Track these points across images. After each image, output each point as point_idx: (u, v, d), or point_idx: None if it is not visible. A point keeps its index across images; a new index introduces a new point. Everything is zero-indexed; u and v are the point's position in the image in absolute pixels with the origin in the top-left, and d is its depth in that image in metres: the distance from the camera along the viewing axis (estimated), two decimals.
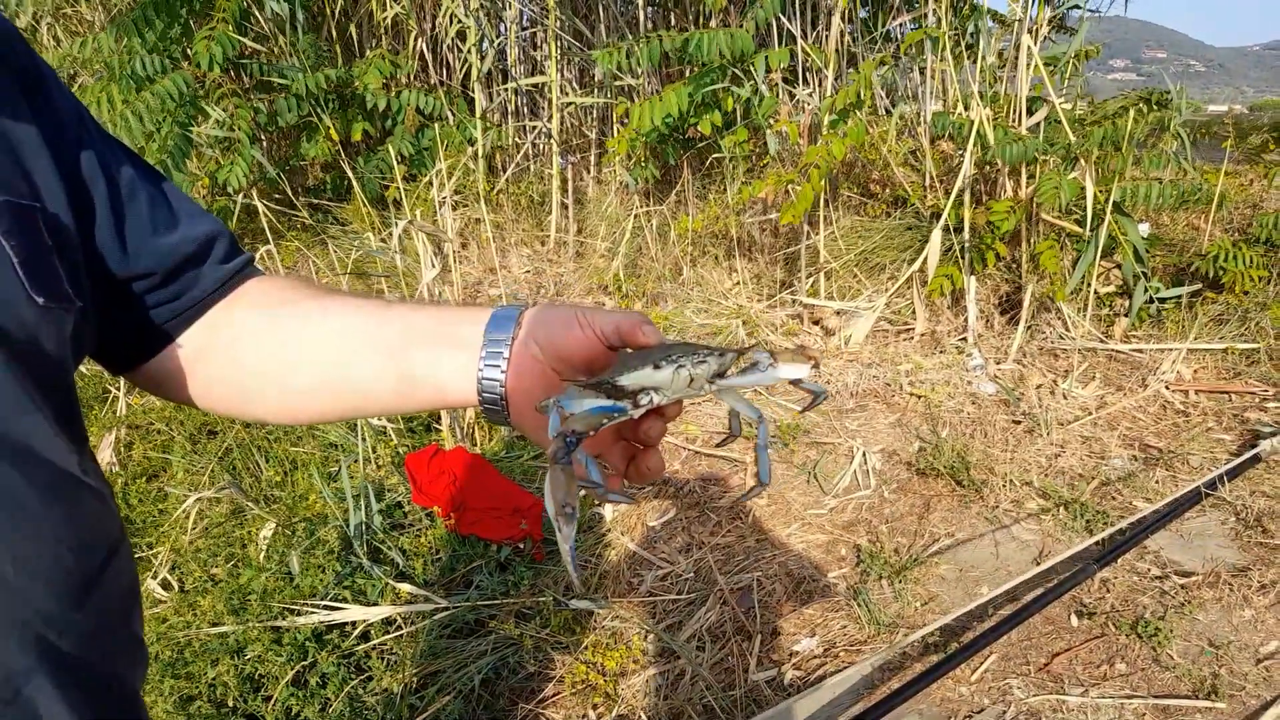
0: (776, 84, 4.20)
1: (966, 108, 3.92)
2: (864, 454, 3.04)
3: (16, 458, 0.52)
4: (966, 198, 3.70)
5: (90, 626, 0.55)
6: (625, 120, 4.09)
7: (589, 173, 5.13)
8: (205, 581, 2.49)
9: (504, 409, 0.69)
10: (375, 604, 2.37)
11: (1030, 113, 3.83)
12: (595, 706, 2.30)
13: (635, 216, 4.47)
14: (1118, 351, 3.60)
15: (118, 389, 3.43)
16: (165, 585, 2.55)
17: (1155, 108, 4.21)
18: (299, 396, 0.75)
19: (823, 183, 3.55)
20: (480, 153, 4.65)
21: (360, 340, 0.73)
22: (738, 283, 4.19)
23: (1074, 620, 2.30)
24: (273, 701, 2.17)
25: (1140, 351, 3.58)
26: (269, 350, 0.75)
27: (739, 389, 0.69)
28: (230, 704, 2.19)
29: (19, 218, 0.57)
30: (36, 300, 0.56)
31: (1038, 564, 2.44)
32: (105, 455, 3.05)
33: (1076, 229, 3.68)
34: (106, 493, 0.61)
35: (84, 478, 0.58)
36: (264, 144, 4.92)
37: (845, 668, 2.20)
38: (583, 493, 0.61)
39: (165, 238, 0.72)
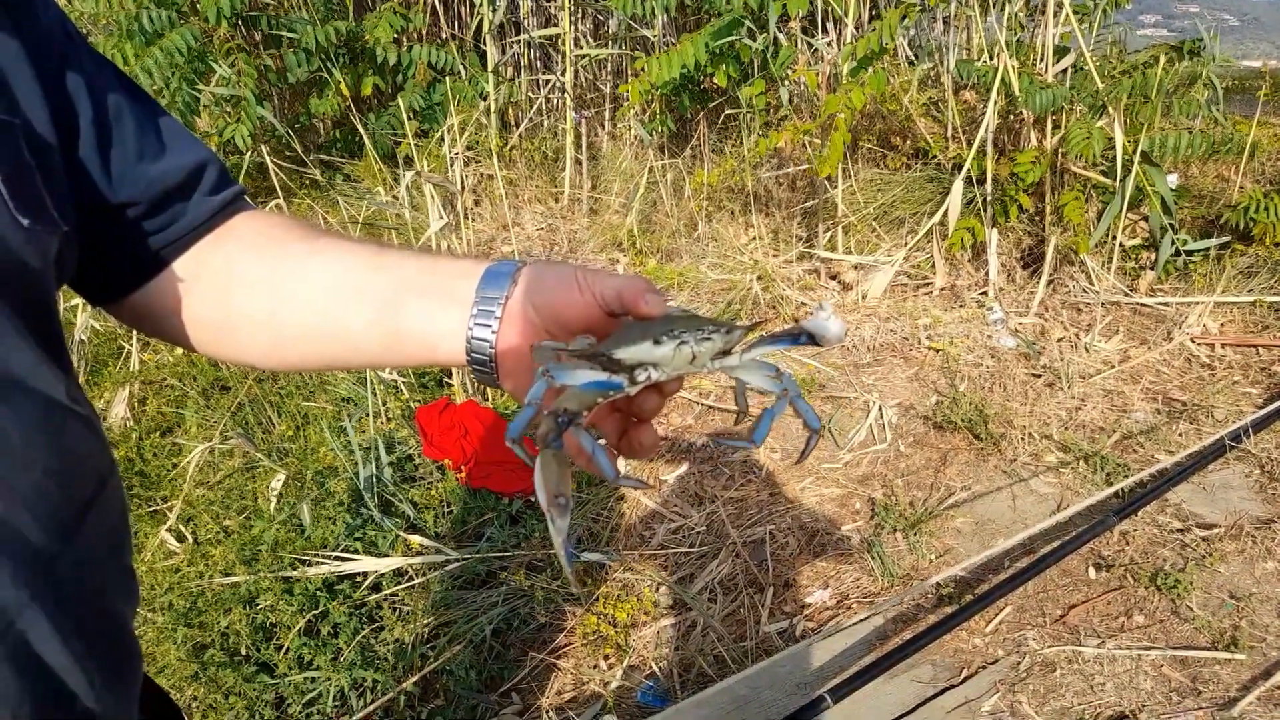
0: (795, 34, 4.10)
1: (992, 56, 3.81)
2: (880, 408, 3.00)
3: (3, 388, 0.50)
4: (989, 149, 3.61)
5: (82, 559, 0.53)
6: (641, 72, 4.01)
7: (603, 128, 5.06)
8: (217, 533, 2.50)
9: (493, 370, 0.65)
10: (386, 555, 2.37)
11: (1057, 61, 3.72)
12: (606, 657, 2.29)
13: (650, 171, 4.40)
14: (1142, 305, 3.52)
15: (131, 345, 3.44)
16: (179, 537, 2.56)
17: (1186, 57, 4.08)
18: (286, 343, 0.72)
19: (849, 132, 3.47)
20: (493, 108, 4.59)
21: (350, 289, 0.69)
22: (754, 238, 4.13)
23: (1091, 573, 2.26)
24: (285, 650, 2.18)
25: (1166, 305, 3.50)
26: (257, 293, 0.71)
27: (748, 365, 0.64)
28: (243, 652, 2.20)
29: (0, 133, 0.54)
30: (21, 221, 0.53)
31: (1055, 517, 2.40)
32: (119, 410, 3.06)
33: (1103, 180, 3.58)
34: (95, 421, 0.58)
35: (73, 406, 0.55)
36: (274, 101, 4.88)
37: (859, 620, 2.18)
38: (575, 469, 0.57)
39: (152, 165, 0.68)
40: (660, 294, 0.62)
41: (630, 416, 0.65)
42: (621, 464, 2.89)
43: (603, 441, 0.62)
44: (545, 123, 5.14)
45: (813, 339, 0.63)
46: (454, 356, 0.67)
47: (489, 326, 0.64)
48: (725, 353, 0.62)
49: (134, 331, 3.47)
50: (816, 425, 0.67)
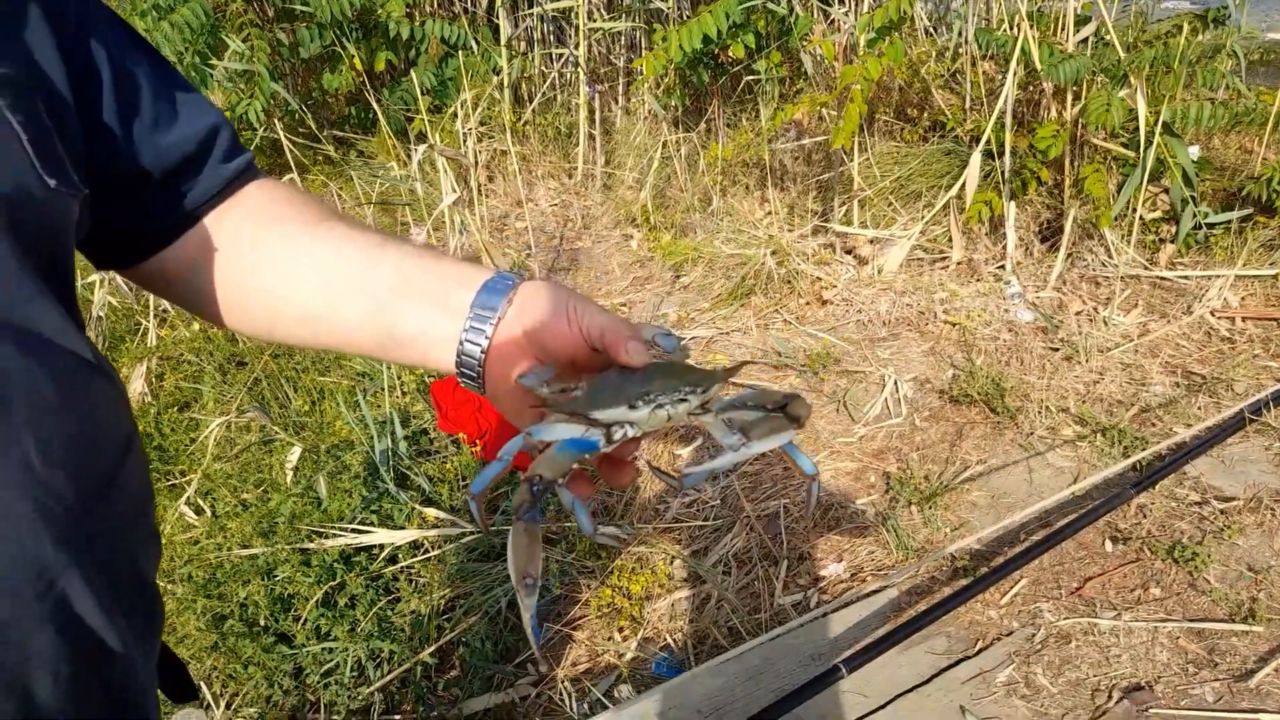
0: (812, 4, 4.05)
1: (1012, 26, 3.74)
2: (895, 382, 2.98)
3: (34, 346, 0.50)
4: (1008, 120, 3.56)
5: (113, 520, 0.54)
6: (657, 45, 3.97)
7: (617, 103, 5.02)
8: (235, 506, 2.52)
9: (480, 380, 0.67)
10: (402, 528, 2.38)
11: (1078, 30, 3.65)
12: (620, 629, 2.31)
13: (664, 145, 4.37)
14: (1162, 278, 3.48)
15: (148, 321, 3.46)
16: (197, 510, 2.58)
17: (1210, 26, 4.00)
18: (283, 322, 0.73)
19: (865, 104, 3.43)
20: (505, 82, 4.56)
21: (347, 281, 0.70)
22: (769, 213, 4.10)
23: (1108, 545, 2.25)
24: (303, 621, 2.21)
25: (1186, 278, 3.46)
26: (258, 269, 0.72)
27: (729, 418, 0.64)
28: (262, 623, 2.23)
29: (21, 94, 0.53)
30: (48, 182, 0.53)
31: (1072, 490, 2.38)
32: (137, 385, 3.08)
33: (1124, 152, 3.53)
34: (119, 382, 0.59)
35: (99, 365, 0.56)
36: (287, 77, 4.87)
37: (873, 591, 2.18)
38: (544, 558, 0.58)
39: (166, 132, 0.68)
40: (641, 343, 0.63)
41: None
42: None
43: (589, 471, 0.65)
44: (559, 97, 5.11)
45: (791, 415, 0.63)
46: (444, 363, 0.69)
47: (483, 334, 0.66)
48: (703, 405, 0.62)
49: (151, 308, 3.49)
50: (811, 471, 0.67)
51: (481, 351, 0.66)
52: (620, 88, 5.00)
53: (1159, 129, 3.37)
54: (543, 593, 2.37)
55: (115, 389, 0.57)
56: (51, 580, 0.48)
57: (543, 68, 5.04)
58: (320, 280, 0.71)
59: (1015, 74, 3.49)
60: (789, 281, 3.60)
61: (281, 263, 0.71)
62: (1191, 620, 1.99)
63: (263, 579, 2.24)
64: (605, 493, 2.67)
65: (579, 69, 4.72)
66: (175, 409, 3.10)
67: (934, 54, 4.02)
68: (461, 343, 0.67)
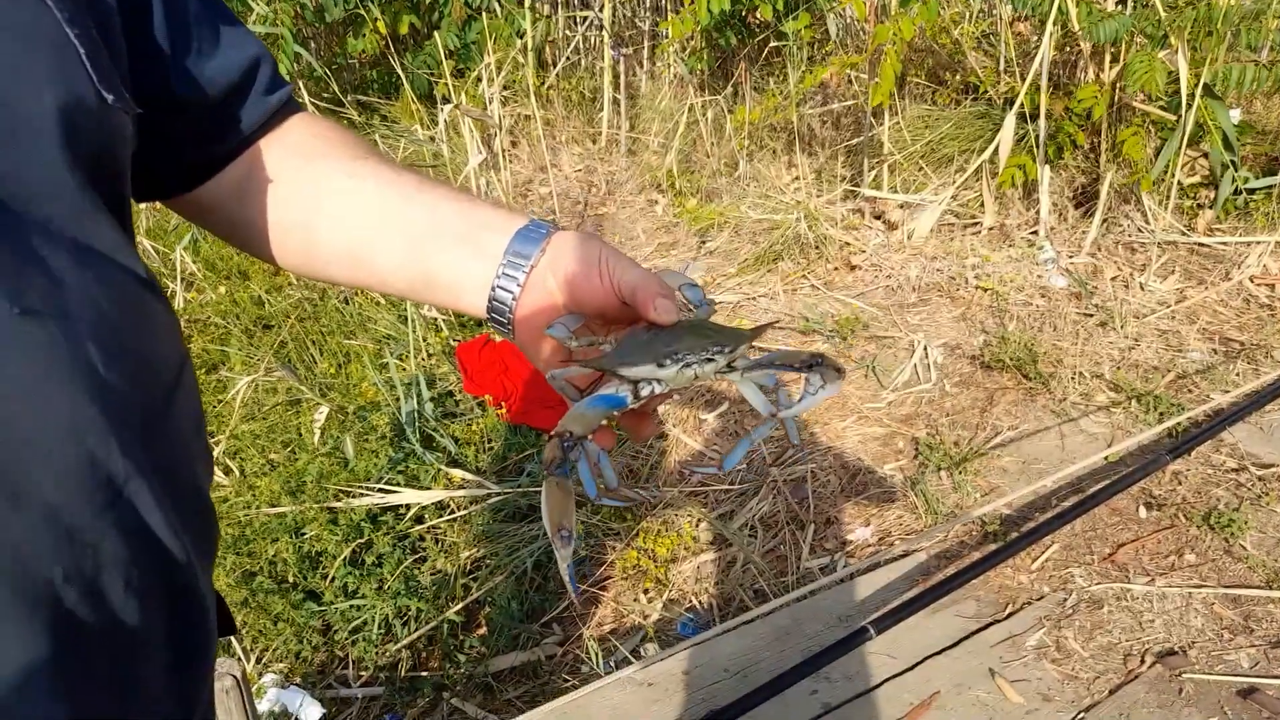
0: None
1: None
2: (925, 347, 2.94)
3: (91, 260, 0.50)
4: (1044, 83, 3.47)
5: (173, 433, 0.54)
6: (683, 7, 3.90)
7: (641, 67, 4.96)
8: (263, 465, 2.53)
9: (510, 326, 0.67)
10: (428, 489, 2.39)
11: None
12: (646, 591, 2.31)
13: (690, 109, 4.31)
14: (1200, 244, 3.40)
15: (175, 284, 3.47)
16: (225, 470, 2.60)
17: None
18: (319, 259, 0.73)
19: (899, 62, 3.36)
20: (529, 45, 4.51)
21: (382, 222, 0.70)
22: (796, 177, 4.05)
23: (1142, 512, 2.21)
24: (331, 579, 2.22)
25: (1225, 245, 3.38)
26: (295, 204, 0.72)
27: (746, 381, 0.65)
28: (290, 580, 2.25)
29: (80, 9, 0.52)
30: (105, 97, 0.52)
31: (1106, 455, 2.35)
32: None
33: (1164, 115, 3.44)
34: (169, 304, 0.59)
35: (152, 283, 0.55)
36: (310, 41, 4.84)
37: (902, 555, 2.16)
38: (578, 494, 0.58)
39: (210, 61, 0.67)
40: (671, 301, 0.63)
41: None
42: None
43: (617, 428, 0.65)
44: (583, 61, 5.06)
45: (821, 376, 0.63)
46: (475, 307, 0.68)
47: (515, 280, 0.66)
48: (730, 365, 0.63)
49: (178, 271, 3.50)
50: (796, 442, 0.70)
51: (513, 299, 0.66)
52: (645, 51, 4.93)
53: (1199, 91, 3.28)
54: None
55: (168, 311, 0.57)
56: (120, 489, 0.48)
57: (567, 31, 4.98)
58: (356, 220, 0.70)
59: (1052, 34, 3.41)
60: (817, 247, 3.55)
61: (321, 198, 0.71)
62: (1227, 587, 1.96)
63: (291, 537, 2.26)
64: (631, 455, 2.66)
65: (604, 32, 4.66)
66: (203, 370, 3.11)
67: (968, 14, 3.93)
68: (494, 288, 0.66)
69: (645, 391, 0.61)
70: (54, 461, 0.45)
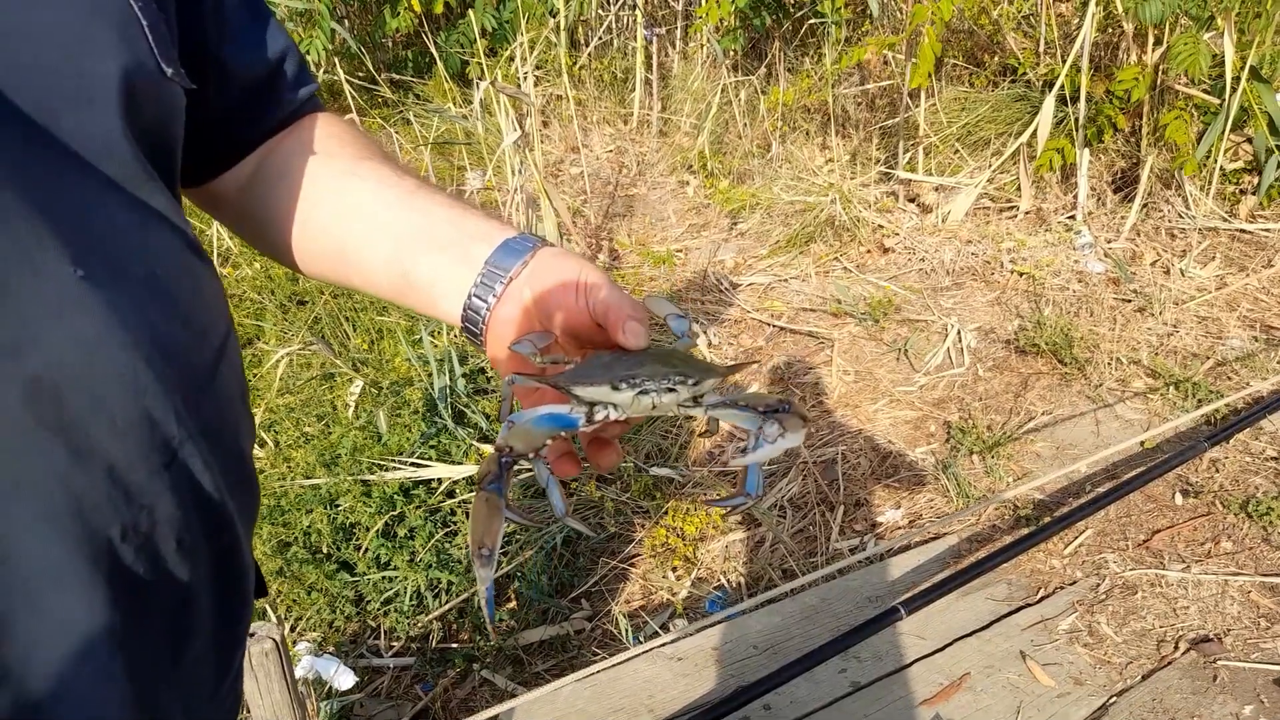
0: None
1: None
2: (959, 331, 2.92)
3: (157, 223, 0.51)
4: (1084, 65, 3.42)
5: (220, 399, 0.56)
6: None
7: (674, 47, 4.93)
8: (298, 438, 2.57)
9: (482, 334, 0.66)
10: (459, 463, 2.41)
11: None
12: (674, 569, 2.32)
13: (723, 90, 4.29)
14: (1242, 231, 3.34)
15: (213, 260, 3.51)
16: (260, 443, 2.64)
17: None
18: (310, 254, 0.73)
19: (938, 41, 3.31)
20: (562, 25, 4.50)
21: (374, 223, 0.69)
22: (830, 159, 4.01)
23: (1178, 499, 2.19)
24: (364, 550, 2.25)
25: (1268, 231, 3.31)
26: (300, 204, 0.72)
27: (720, 416, 0.62)
28: (324, 550, 2.28)
29: None
30: (165, 70, 0.53)
31: (1142, 441, 2.32)
32: None
33: (1207, 98, 3.37)
34: (216, 270, 0.60)
35: (201, 249, 0.57)
36: (345, 20, 4.86)
37: (933, 537, 2.15)
38: (509, 527, 0.55)
39: (244, 52, 0.69)
40: (642, 326, 0.61)
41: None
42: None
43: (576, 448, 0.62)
44: (615, 41, 5.03)
45: (782, 425, 0.59)
46: (450, 314, 0.67)
47: (488, 299, 0.65)
48: (695, 400, 0.60)
49: (214, 247, 3.54)
50: (754, 492, 0.64)
51: (488, 309, 0.65)
52: (678, 32, 4.90)
53: (1245, 74, 3.21)
54: (597, 529, 2.39)
55: (214, 276, 0.59)
56: (175, 450, 0.50)
57: (600, 10, 4.96)
58: (350, 218, 0.70)
59: (1094, 15, 3.34)
60: (850, 229, 3.53)
61: (320, 196, 0.71)
62: (1264, 575, 1.94)
63: (325, 508, 2.29)
64: (660, 434, 2.67)
65: (637, 11, 4.63)
66: (240, 345, 3.15)
67: None
68: (469, 297, 0.65)
69: (599, 415, 0.58)
70: (117, 421, 0.46)
